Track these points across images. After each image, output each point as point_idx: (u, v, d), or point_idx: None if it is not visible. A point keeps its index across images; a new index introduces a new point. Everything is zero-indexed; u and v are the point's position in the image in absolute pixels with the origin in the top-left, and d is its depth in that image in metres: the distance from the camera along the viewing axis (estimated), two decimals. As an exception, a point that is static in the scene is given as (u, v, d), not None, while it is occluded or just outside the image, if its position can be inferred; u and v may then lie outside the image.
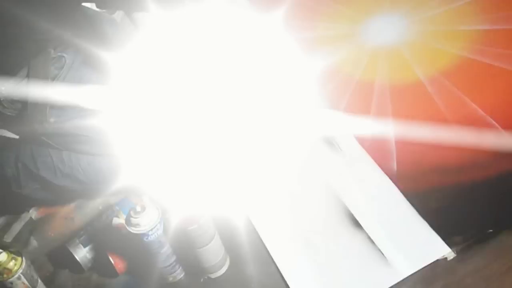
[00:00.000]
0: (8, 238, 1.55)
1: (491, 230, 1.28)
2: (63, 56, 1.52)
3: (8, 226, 1.58)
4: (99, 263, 1.44)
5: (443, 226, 1.32)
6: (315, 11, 1.88)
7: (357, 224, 1.37)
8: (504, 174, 1.37)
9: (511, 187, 1.34)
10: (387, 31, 1.78)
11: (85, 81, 1.49)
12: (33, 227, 1.56)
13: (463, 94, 1.53)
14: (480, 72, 1.59)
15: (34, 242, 1.51)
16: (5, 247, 1.34)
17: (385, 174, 1.43)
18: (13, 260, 1.32)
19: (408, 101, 1.58)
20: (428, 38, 1.71)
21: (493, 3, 1.74)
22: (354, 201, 1.41)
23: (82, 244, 1.44)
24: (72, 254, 1.43)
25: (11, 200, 1.56)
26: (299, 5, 1.90)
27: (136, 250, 1.32)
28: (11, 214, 1.61)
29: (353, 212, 1.38)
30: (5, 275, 1.31)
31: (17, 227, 1.57)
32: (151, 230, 1.27)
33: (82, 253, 1.43)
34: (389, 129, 1.51)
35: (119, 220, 1.44)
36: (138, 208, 1.27)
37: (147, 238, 1.28)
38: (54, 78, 1.49)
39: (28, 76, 1.50)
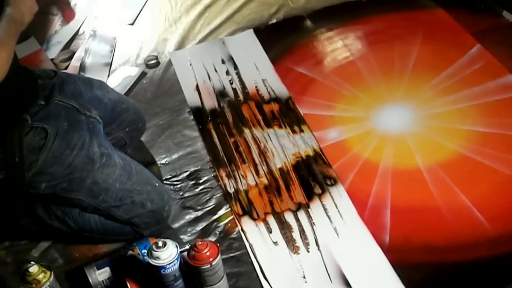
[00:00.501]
0: (35, 253, 1.69)
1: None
2: (44, 128, 1.50)
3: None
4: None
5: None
6: (335, 93, 2.09)
7: (348, 285, 1.53)
8: (483, 260, 1.53)
9: (488, 272, 1.51)
10: (396, 120, 1.97)
11: (75, 144, 1.53)
12: (61, 246, 1.70)
13: (455, 185, 1.71)
14: (472, 168, 1.77)
15: (60, 260, 1.67)
16: (32, 261, 1.46)
17: (377, 245, 1.59)
18: (43, 273, 1.44)
19: (406, 185, 1.75)
20: (431, 132, 1.90)
21: (490, 109, 1.94)
22: (347, 264, 1.56)
23: (97, 267, 1.56)
24: (86, 274, 1.55)
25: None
26: (322, 86, 2.13)
27: (152, 280, 1.49)
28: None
29: (345, 274, 1.54)
30: (34, 285, 1.43)
31: (45, 243, 1.71)
32: (169, 264, 1.43)
33: (95, 275, 1.55)
34: (387, 206, 1.70)
35: (133, 253, 1.60)
36: (160, 244, 1.45)
37: (164, 271, 1.44)
38: (40, 149, 1.49)
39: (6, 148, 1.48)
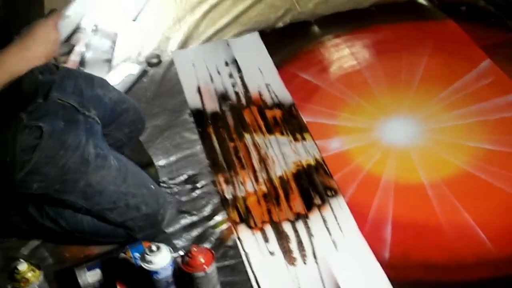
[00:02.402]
0: (25, 251, 1.69)
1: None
2: (39, 126, 1.49)
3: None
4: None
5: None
6: (340, 102, 2.10)
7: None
8: (484, 281, 1.53)
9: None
10: (401, 133, 1.98)
11: (69, 145, 1.52)
12: (51, 245, 1.70)
13: (458, 203, 1.72)
14: (477, 186, 1.77)
15: (49, 260, 1.67)
16: (21, 259, 1.46)
17: (377, 260, 1.59)
18: (32, 271, 1.44)
19: (408, 200, 1.75)
20: (436, 147, 1.91)
21: (498, 126, 1.94)
22: (345, 278, 1.56)
23: (88, 269, 1.56)
24: (75, 275, 1.55)
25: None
26: (327, 93, 2.14)
27: (144, 285, 1.48)
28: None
29: (342, 288, 1.55)
30: (22, 284, 1.43)
31: (35, 242, 1.71)
32: (162, 269, 1.43)
33: (85, 277, 1.55)
34: (388, 221, 1.70)
35: (125, 256, 1.60)
36: (154, 248, 1.45)
37: (156, 276, 1.44)
38: (34, 148, 1.48)
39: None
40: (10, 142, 1.46)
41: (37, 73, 1.57)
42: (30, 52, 1.39)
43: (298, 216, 1.73)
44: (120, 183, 1.59)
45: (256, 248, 1.66)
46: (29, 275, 1.45)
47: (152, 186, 1.67)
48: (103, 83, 1.79)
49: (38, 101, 1.53)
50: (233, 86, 2.20)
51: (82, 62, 2.35)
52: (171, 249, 1.48)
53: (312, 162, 1.88)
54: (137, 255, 1.53)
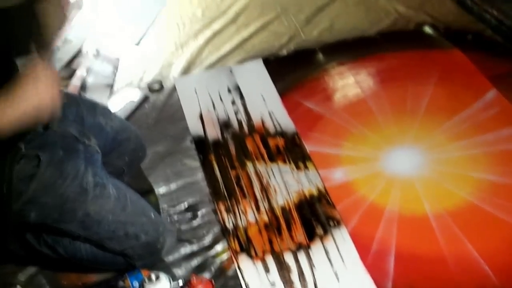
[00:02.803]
0: (22, 277, 1.71)
1: None
2: (37, 155, 1.50)
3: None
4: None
5: None
6: (344, 131, 2.13)
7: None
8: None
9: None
10: (405, 163, 2.01)
11: (68, 174, 1.53)
12: (49, 272, 1.72)
13: (462, 235, 1.74)
14: (481, 218, 1.80)
15: (47, 287, 1.69)
16: (18, 285, 1.51)
17: None
18: None
19: (412, 231, 1.78)
20: (441, 178, 1.93)
21: (504, 158, 1.97)
22: None
23: None
24: None
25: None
26: (330, 122, 2.17)
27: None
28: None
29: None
30: None
31: (32, 268, 1.73)
32: (161, 298, 1.47)
33: None
34: (391, 252, 1.72)
35: (124, 285, 1.62)
36: (153, 277, 1.47)
37: (155, 305, 1.47)
38: (31, 177, 1.49)
39: None
40: (7, 172, 1.47)
41: None
42: (11, 110, 1.33)
43: (299, 247, 1.75)
44: (119, 212, 1.60)
45: (257, 278, 1.68)
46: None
47: (152, 214, 1.69)
48: (105, 111, 1.82)
49: (38, 130, 1.55)
50: (236, 113, 2.24)
51: (83, 87, 2.40)
52: (170, 278, 1.51)
53: (315, 192, 1.91)
54: (136, 283, 1.56)
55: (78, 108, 1.69)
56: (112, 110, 1.93)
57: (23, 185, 1.48)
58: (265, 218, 1.84)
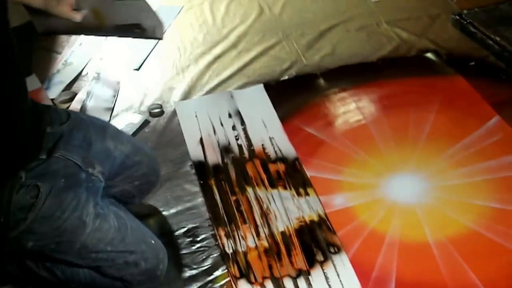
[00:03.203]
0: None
1: None
2: (37, 185, 1.50)
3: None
4: None
5: None
6: (345, 157, 2.17)
7: None
8: None
9: None
10: (407, 190, 2.04)
11: (68, 205, 1.54)
12: None
13: (465, 263, 1.77)
14: (484, 245, 1.83)
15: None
16: None
17: None
18: None
19: (413, 259, 1.81)
20: (443, 205, 1.97)
21: (506, 185, 2.01)
22: None
23: None
24: None
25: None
26: (332, 148, 2.21)
27: None
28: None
29: None
30: None
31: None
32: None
33: None
34: (392, 280, 1.75)
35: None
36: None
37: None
38: (30, 208, 1.49)
39: None
40: (5, 200, 1.48)
41: (45, 125, 1.61)
42: None
43: (299, 273, 1.78)
44: (118, 243, 1.61)
45: (256, 304, 1.72)
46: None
47: (152, 241, 1.71)
48: (117, 134, 1.82)
49: (41, 157, 1.56)
50: (236, 138, 2.28)
51: (83, 110, 2.44)
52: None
53: (315, 218, 1.94)
54: (133, 309, 1.58)
55: (87, 133, 1.69)
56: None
57: (21, 214, 1.49)
58: (265, 243, 1.87)
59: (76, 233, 1.54)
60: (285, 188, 2.06)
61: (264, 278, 1.77)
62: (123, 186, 1.84)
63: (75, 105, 2.46)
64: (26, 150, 1.53)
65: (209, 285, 1.77)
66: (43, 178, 1.52)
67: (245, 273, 1.79)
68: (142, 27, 1.72)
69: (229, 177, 2.12)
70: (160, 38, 1.76)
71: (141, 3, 1.64)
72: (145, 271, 1.65)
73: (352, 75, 2.59)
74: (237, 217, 1.96)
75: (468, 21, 2.80)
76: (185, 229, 1.94)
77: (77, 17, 1.63)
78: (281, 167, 2.14)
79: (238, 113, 2.40)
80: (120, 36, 1.98)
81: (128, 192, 1.86)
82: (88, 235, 1.55)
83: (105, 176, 1.70)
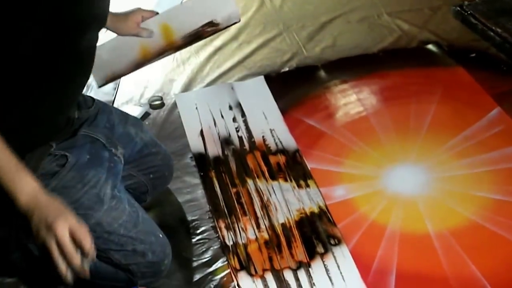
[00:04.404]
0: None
1: None
2: (66, 155, 1.56)
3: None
4: None
5: None
6: (345, 149, 2.15)
7: None
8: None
9: None
10: (407, 181, 2.02)
11: (88, 180, 1.57)
12: None
13: (465, 255, 1.75)
14: (485, 238, 1.81)
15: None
16: None
17: None
18: None
19: (414, 251, 1.79)
20: (444, 196, 1.95)
21: (508, 176, 1.99)
22: None
23: None
24: None
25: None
26: (332, 140, 2.20)
27: None
28: None
29: None
30: None
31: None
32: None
33: None
34: (392, 272, 1.73)
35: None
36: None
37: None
38: (53, 175, 1.53)
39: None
40: (32, 165, 1.49)
41: (74, 110, 1.65)
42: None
43: (300, 265, 1.76)
44: (131, 227, 1.61)
45: (256, 296, 1.70)
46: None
47: (160, 235, 1.70)
48: (137, 122, 1.87)
49: (68, 136, 1.61)
50: (237, 130, 2.26)
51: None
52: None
53: (316, 210, 1.93)
54: (134, 301, 1.57)
55: (110, 115, 1.74)
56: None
57: (44, 180, 1.49)
58: (265, 235, 1.86)
59: (94, 209, 1.56)
60: (285, 180, 2.04)
61: (264, 270, 1.75)
62: (139, 178, 1.85)
63: (75, 98, 2.45)
64: (59, 126, 1.59)
65: (209, 277, 1.75)
66: (71, 150, 1.57)
67: (245, 265, 1.77)
68: (215, 23, 1.72)
69: (229, 169, 2.10)
70: (238, 22, 1.76)
71: None
72: (151, 263, 1.64)
73: (353, 67, 2.57)
74: (238, 209, 1.95)
75: (469, 12, 2.77)
76: (185, 221, 1.93)
77: (144, 33, 1.76)
78: (281, 159, 2.13)
79: (239, 105, 2.38)
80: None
81: (142, 185, 1.87)
82: (104, 212, 1.56)
83: (125, 159, 1.72)
